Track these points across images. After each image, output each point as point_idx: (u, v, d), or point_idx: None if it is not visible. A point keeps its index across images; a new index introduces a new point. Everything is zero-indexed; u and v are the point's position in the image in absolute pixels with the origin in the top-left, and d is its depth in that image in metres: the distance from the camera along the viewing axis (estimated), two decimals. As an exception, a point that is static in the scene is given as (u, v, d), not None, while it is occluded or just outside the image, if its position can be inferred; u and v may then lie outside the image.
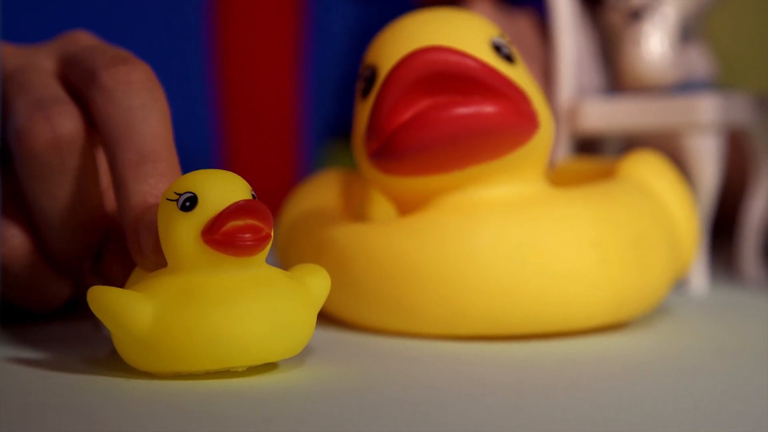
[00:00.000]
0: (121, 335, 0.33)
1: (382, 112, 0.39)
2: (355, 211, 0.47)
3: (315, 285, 0.35)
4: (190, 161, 0.37)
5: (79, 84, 0.38)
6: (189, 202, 0.33)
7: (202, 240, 0.33)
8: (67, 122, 0.37)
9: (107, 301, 0.33)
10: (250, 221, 0.33)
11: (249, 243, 0.32)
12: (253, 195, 0.34)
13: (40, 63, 0.40)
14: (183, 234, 0.33)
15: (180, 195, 0.33)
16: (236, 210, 0.32)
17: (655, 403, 0.32)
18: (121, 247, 0.38)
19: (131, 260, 0.37)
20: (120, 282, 0.37)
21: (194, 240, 0.33)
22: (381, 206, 0.47)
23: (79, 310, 0.43)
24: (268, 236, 0.33)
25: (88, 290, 0.33)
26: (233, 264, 0.33)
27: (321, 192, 0.47)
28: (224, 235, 0.32)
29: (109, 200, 0.41)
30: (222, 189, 0.33)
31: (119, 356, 0.35)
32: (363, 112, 0.40)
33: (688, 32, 0.52)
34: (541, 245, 0.39)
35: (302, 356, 0.37)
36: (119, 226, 0.39)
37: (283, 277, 0.34)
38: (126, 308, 0.32)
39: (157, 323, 0.32)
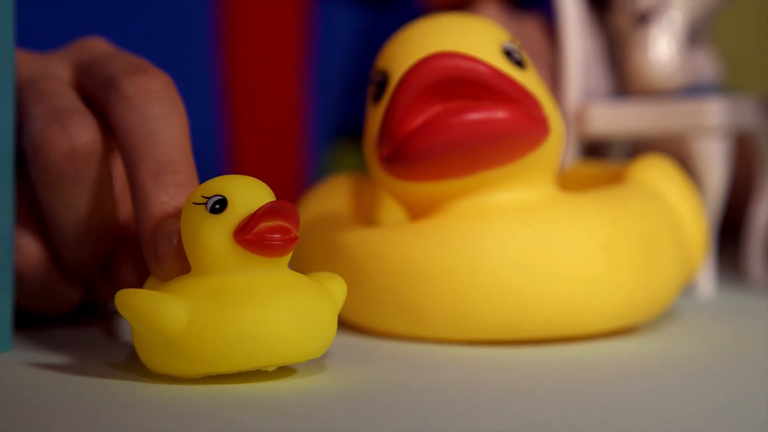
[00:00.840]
0: (154, 337, 0.33)
1: (394, 118, 0.39)
2: (366, 215, 0.47)
3: (334, 289, 0.35)
4: (196, 163, 0.38)
5: (97, 91, 0.38)
6: (219, 205, 0.33)
7: (235, 240, 0.33)
8: (84, 133, 0.37)
9: (139, 303, 0.33)
10: (279, 222, 0.33)
11: (278, 243, 0.33)
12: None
13: (55, 71, 0.40)
14: (213, 236, 0.33)
15: (208, 198, 0.33)
16: (268, 211, 0.33)
17: (664, 406, 0.32)
18: (132, 255, 0.38)
19: (143, 268, 0.37)
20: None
21: (225, 241, 0.33)
22: (392, 211, 0.48)
23: (89, 315, 0.43)
24: (296, 237, 0.33)
25: (116, 294, 0.33)
26: (260, 265, 0.33)
27: (332, 196, 0.47)
28: (257, 236, 0.33)
29: (123, 209, 0.41)
30: (250, 192, 0.34)
31: (134, 361, 0.35)
32: (375, 117, 0.41)
33: (695, 36, 0.53)
34: (550, 249, 0.39)
35: (314, 360, 0.37)
36: (133, 234, 0.39)
37: (307, 279, 0.34)
38: (160, 310, 0.32)
39: (192, 324, 0.32)
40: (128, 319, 0.33)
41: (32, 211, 0.39)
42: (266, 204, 0.33)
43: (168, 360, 0.33)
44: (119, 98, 0.37)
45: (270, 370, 0.34)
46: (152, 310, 0.33)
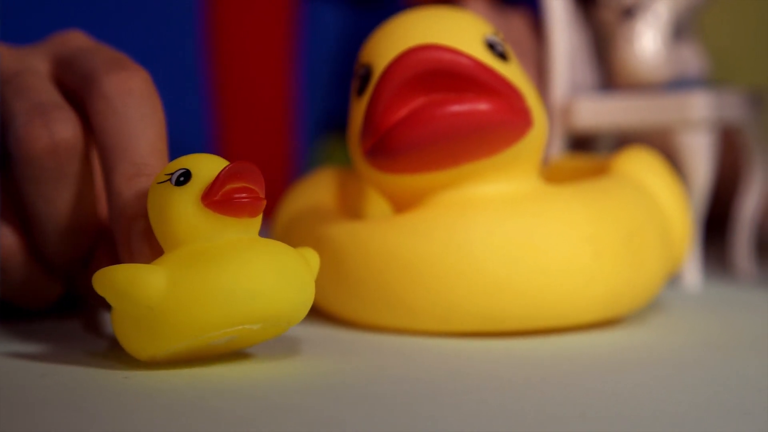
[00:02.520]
0: (135, 310, 0.33)
1: (377, 110, 0.39)
2: (351, 208, 0.47)
3: (308, 257, 0.36)
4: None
5: (76, 87, 0.38)
6: (183, 177, 0.34)
7: (203, 204, 0.33)
8: (66, 128, 0.37)
9: (117, 277, 0.33)
10: (244, 184, 0.34)
11: (246, 200, 0.33)
12: None
13: (36, 65, 0.40)
14: (182, 206, 0.34)
15: (171, 174, 0.34)
16: (233, 171, 0.33)
17: (649, 397, 0.32)
18: (111, 253, 0.38)
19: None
20: None
21: (193, 209, 0.34)
22: (376, 204, 0.48)
23: (70, 308, 0.43)
24: (263, 198, 0.34)
25: (92, 276, 0.33)
26: (232, 228, 0.34)
27: (317, 190, 0.47)
28: (224, 196, 0.33)
29: (103, 204, 0.41)
30: (210, 163, 0.34)
31: (116, 351, 0.35)
32: (358, 110, 0.41)
33: (681, 30, 0.53)
34: (535, 241, 0.39)
35: (297, 352, 0.37)
36: (111, 230, 0.39)
37: (280, 242, 0.35)
38: (138, 279, 0.33)
39: (173, 288, 0.33)
40: (107, 296, 0.33)
41: (12, 203, 0.39)
42: (228, 165, 0.33)
43: (151, 335, 0.33)
44: (98, 96, 0.37)
45: (255, 328, 0.34)
46: (131, 281, 0.33)
